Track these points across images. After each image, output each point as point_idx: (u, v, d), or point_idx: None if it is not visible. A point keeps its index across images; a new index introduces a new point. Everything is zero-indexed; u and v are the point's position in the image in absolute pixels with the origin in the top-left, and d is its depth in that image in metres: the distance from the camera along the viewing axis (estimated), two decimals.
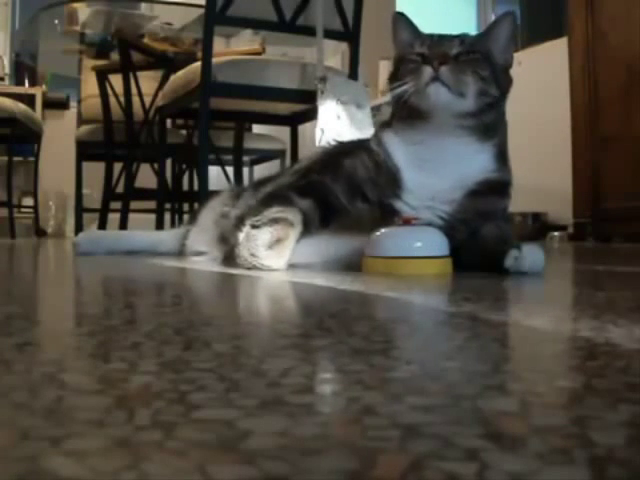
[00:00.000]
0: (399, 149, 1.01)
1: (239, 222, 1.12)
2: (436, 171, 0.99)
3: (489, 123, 0.99)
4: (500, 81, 0.99)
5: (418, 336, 0.44)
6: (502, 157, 1.04)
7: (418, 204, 0.99)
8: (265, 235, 0.92)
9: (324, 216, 1.01)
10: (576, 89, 2.98)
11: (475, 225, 0.99)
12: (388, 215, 0.98)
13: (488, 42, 1.01)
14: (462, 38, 1.00)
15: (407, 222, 0.93)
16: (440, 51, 0.96)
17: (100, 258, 1.43)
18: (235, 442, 0.21)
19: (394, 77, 1.02)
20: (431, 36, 1.01)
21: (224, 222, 1.24)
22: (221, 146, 2.75)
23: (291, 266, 0.97)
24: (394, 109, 1.04)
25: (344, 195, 1.01)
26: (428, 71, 0.94)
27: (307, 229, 0.98)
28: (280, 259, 0.93)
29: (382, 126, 1.08)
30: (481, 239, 0.98)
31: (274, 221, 0.94)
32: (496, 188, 1.02)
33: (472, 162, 1.00)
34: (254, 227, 0.94)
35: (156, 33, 2.80)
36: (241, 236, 0.95)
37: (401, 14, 1.05)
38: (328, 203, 1.01)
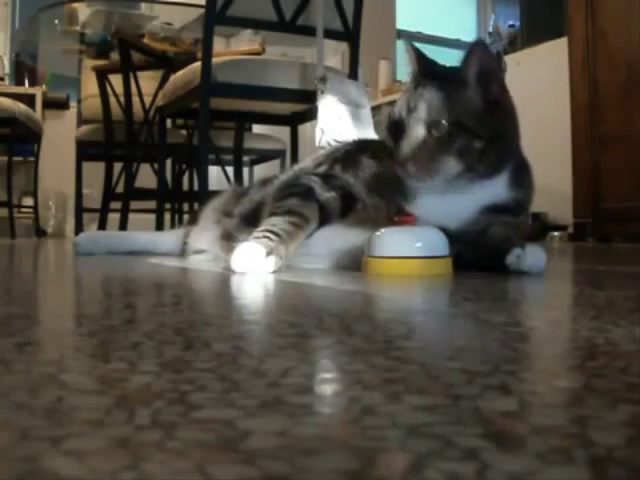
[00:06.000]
0: None
1: (244, 220, 1.13)
2: (445, 199, 0.97)
3: (489, 164, 0.95)
4: (484, 126, 0.93)
5: (418, 336, 0.44)
6: (516, 179, 1.00)
7: (430, 210, 0.98)
8: (282, 224, 0.94)
9: (345, 207, 1.02)
10: (576, 89, 2.98)
11: (486, 230, 0.99)
12: (403, 213, 0.98)
13: (460, 93, 0.94)
14: (430, 101, 0.93)
15: (406, 222, 0.93)
16: (407, 147, 0.93)
17: (100, 258, 1.43)
18: (235, 442, 0.21)
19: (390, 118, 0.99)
20: (415, 87, 0.96)
21: (228, 221, 1.24)
22: (221, 146, 2.75)
23: (292, 266, 0.97)
24: None
25: (363, 189, 1.02)
26: (399, 170, 0.94)
27: (328, 220, 1.01)
28: (287, 251, 0.94)
29: None
30: (485, 236, 0.97)
31: (290, 213, 0.97)
32: (507, 209, 1.00)
33: (480, 194, 0.97)
34: (273, 214, 0.98)
35: (156, 33, 2.80)
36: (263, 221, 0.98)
37: (408, 43, 1.02)
38: (350, 195, 1.02)
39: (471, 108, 0.94)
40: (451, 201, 0.97)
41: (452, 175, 0.93)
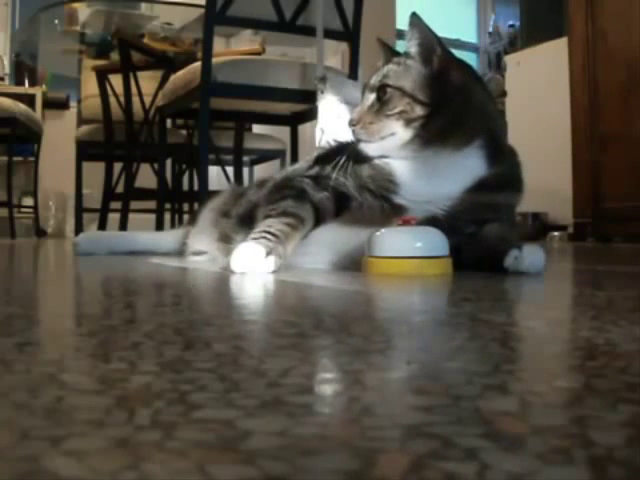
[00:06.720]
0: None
1: (241, 221, 1.13)
2: (427, 180, 0.99)
3: (437, 131, 0.97)
4: (425, 94, 0.98)
5: (418, 336, 0.44)
6: (494, 157, 1.00)
7: (418, 199, 0.99)
8: (279, 225, 0.95)
9: (338, 206, 1.03)
10: (576, 89, 2.98)
11: (480, 217, 0.99)
12: (394, 209, 0.99)
13: (404, 63, 1.01)
14: (380, 71, 1.03)
15: (406, 222, 0.93)
16: (357, 111, 1.03)
17: (100, 258, 1.43)
18: (235, 442, 0.21)
19: None
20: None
21: (226, 221, 1.24)
22: (221, 146, 2.75)
23: (291, 266, 0.97)
24: None
25: (354, 188, 1.03)
26: (352, 134, 1.03)
27: (323, 220, 1.02)
28: (285, 252, 0.94)
29: None
30: (483, 237, 0.98)
31: (285, 214, 0.98)
32: (491, 186, 1.00)
33: (457, 171, 0.99)
34: (268, 216, 0.98)
35: (156, 33, 2.81)
36: (257, 224, 0.99)
37: (379, 40, 1.12)
38: (342, 194, 1.03)
39: (413, 77, 1.00)
40: (434, 185, 0.98)
41: (402, 141, 0.98)
